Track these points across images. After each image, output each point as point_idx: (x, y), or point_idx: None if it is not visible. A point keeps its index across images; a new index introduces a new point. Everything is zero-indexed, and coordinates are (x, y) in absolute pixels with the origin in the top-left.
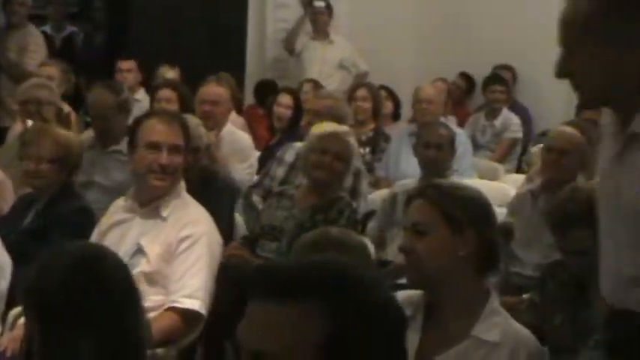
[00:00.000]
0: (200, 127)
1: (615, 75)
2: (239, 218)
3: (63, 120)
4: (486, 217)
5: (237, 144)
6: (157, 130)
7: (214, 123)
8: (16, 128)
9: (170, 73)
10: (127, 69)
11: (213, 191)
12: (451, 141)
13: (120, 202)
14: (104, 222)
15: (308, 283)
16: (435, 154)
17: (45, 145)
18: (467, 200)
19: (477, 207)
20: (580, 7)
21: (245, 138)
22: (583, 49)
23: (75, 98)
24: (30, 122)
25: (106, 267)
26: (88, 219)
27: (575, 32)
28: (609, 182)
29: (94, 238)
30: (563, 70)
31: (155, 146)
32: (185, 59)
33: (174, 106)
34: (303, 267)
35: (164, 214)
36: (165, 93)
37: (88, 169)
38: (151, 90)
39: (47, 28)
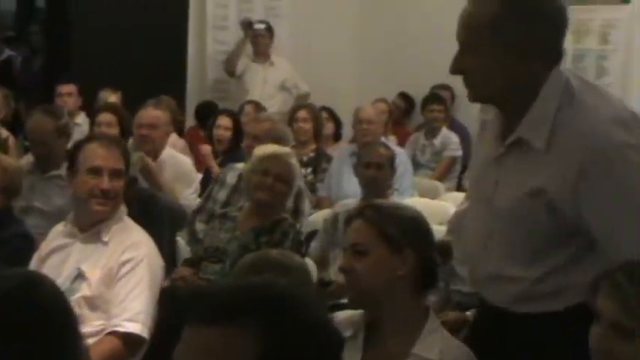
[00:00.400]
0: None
1: (512, 79)
2: (182, 242)
3: (1, 145)
4: (425, 237)
5: (178, 167)
6: (98, 155)
7: (153, 147)
8: None
9: (112, 97)
10: (67, 93)
11: (154, 215)
12: (391, 160)
13: (59, 227)
14: (44, 247)
15: (242, 305)
16: (376, 174)
17: None
18: (405, 220)
19: (415, 226)
20: (485, 10)
21: (186, 162)
22: (484, 49)
23: (14, 123)
24: None
25: (42, 293)
26: (28, 244)
27: (478, 33)
28: (487, 182)
29: (34, 263)
30: (459, 67)
31: (96, 171)
32: (126, 83)
33: (114, 130)
34: (239, 289)
35: (105, 238)
36: (106, 117)
37: (27, 195)
38: (92, 114)
39: None
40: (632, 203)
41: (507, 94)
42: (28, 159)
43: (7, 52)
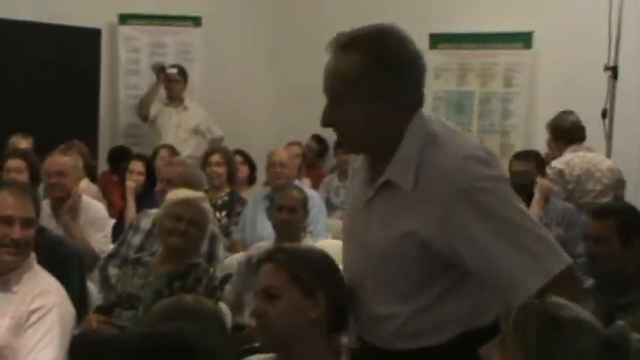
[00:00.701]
0: None
1: (379, 127)
2: (92, 287)
3: None
4: (335, 279)
5: (91, 214)
6: (9, 204)
7: (63, 193)
8: None
9: (23, 143)
10: None
11: (63, 261)
12: (304, 203)
13: None
14: None
15: (151, 355)
16: (288, 217)
17: None
18: (315, 262)
19: (325, 269)
20: (349, 63)
21: (99, 207)
22: (351, 101)
23: None
24: None
25: None
26: None
27: (344, 85)
28: (358, 225)
29: None
30: (328, 120)
31: (7, 221)
32: (38, 128)
33: (24, 176)
34: (150, 337)
35: (14, 288)
36: (16, 163)
37: None
38: (1, 160)
39: None
40: (500, 227)
41: (376, 141)
42: None
43: None
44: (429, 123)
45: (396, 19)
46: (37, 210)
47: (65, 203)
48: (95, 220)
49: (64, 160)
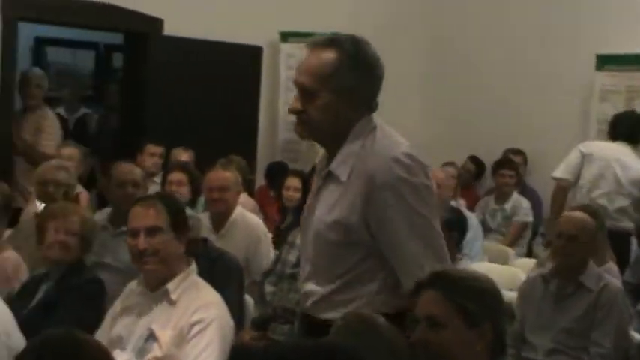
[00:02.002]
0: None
1: (339, 122)
2: (250, 301)
3: (71, 200)
4: (500, 308)
5: (250, 227)
6: (135, 216)
7: (224, 208)
8: (30, 209)
9: (183, 156)
10: (152, 153)
11: (223, 274)
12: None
13: (133, 285)
14: (118, 305)
15: None
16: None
17: (73, 220)
18: (481, 292)
19: (491, 299)
20: (323, 59)
21: (257, 222)
22: (321, 94)
23: (88, 180)
24: (39, 204)
25: (84, 353)
26: (99, 290)
27: (317, 79)
28: (309, 217)
29: (107, 321)
30: (297, 107)
31: (133, 233)
32: (198, 142)
33: (184, 189)
34: (309, 349)
35: (173, 296)
36: (177, 176)
37: (99, 251)
38: (163, 173)
39: (61, 110)
40: (404, 225)
41: (335, 133)
42: (100, 216)
43: (83, 110)
44: (375, 127)
45: (561, 41)
46: (174, 218)
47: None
48: (254, 235)
49: (226, 175)
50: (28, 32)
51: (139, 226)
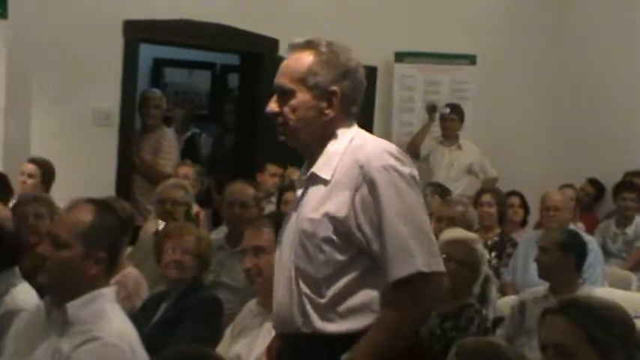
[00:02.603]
0: None
1: (318, 125)
2: None
3: (190, 219)
4: (633, 339)
5: None
6: (245, 236)
7: None
8: (149, 227)
9: (296, 174)
10: (273, 173)
11: None
12: (564, 246)
13: (251, 305)
14: (237, 324)
15: None
16: (548, 259)
17: (189, 239)
18: (613, 321)
19: (624, 329)
20: (303, 61)
21: None
22: (299, 96)
23: (204, 199)
24: (161, 222)
25: None
26: (218, 309)
27: (295, 80)
28: (288, 227)
29: (226, 339)
30: (275, 109)
31: (243, 252)
32: None
33: None
34: None
35: None
36: (292, 195)
37: (216, 269)
38: (279, 192)
39: (170, 130)
40: (394, 211)
41: (313, 138)
42: (217, 235)
43: (192, 130)
44: (354, 131)
45: None
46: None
47: None
48: None
49: None
50: (147, 53)
51: (246, 246)
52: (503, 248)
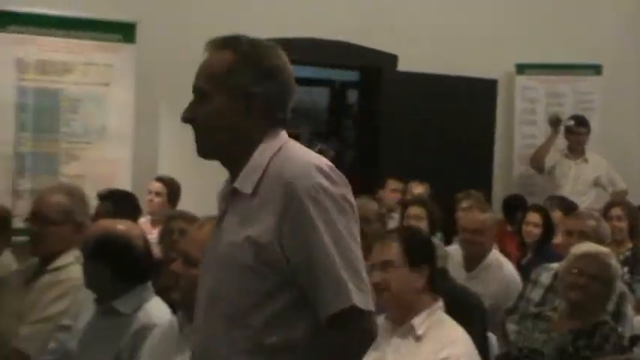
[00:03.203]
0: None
1: (235, 131)
2: (493, 339)
3: None
4: None
5: (502, 277)
6: (374, 251)
7: (478, 250)
8: None
9: (418, 189)
10: (394, 188)
11: (464, 309)
12: None
13: (380, 320)
14: None
15: None
16: None
17: None
18: None
19: None
20: (220, 59)
21: (511, 272)
22: (213, 98)
23: None
24: None
25: None
26: None
27: (210, 81)
28: (213, 242)
29: None
30: (189, 114)
31: (370, 267)
32: (433, 176)
33: (423, 223)
34: None
35: (419, 332)
36: (415, 210)
37: None
38: (402, 206)
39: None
40: (324, 240)
41: (229, 147)
42: None
43: (320, 146)
44: (283, 140)
45: None
46: (406, 253)
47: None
48: (508, 277)
49: (481, 218)
50: None
51: (374, 261)
52: (635, 263)
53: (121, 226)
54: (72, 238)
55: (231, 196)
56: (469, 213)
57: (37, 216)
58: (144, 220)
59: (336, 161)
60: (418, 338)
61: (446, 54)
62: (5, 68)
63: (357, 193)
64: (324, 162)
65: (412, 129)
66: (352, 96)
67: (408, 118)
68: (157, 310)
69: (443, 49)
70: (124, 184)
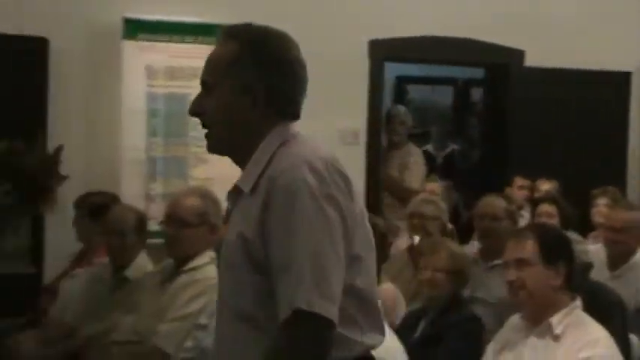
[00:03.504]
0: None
1: (241, 125)
2: (634, 340)
3: (448, 235)
4: None
5: None
6: (506, 248)
7: (625, 249)
8: (400, 243)
9: (546, 186)
10: (520, 185)
11: (602, 307)
12: None
13: (515, 319)
14: (499, 339)
15: None
16: None
17: (440, 257)
18: None
19: None
20: (225, 50)
21: None
22: (219, 90)
23: (453, 214)
24: (416, 237)
25: None
26: (478, 327)
27: (215, 72)
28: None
29: (489, 357)
30: (196, 108)
31: (504, 265)
32: (563, 173)
33: (554, 221)
34: None
35: (557, 332)
36: (546, 207)
37: (471, 285)
38: (532, 204)
39: (429, 147)
40: (288, 240)
41: (237, 141)
42: (470, 249)
43: (451, 146)
44: (292, 132)
45: None
46: (542, 251)
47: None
48: None
49: (628, 216)
50: (389, 71)
51: (507, 259)
52: None
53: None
54: (206, 239)
55: (237, 194)
56: (614, 211)
57: (172, 219)
58: None
59: (463, 160)
60: (556, 337)
61: (575, 47)
62: (136, 75)
63: (483, 191)
64: (322, 158)
65: (540, 126)
66: (476, 93)
67: (535, 115)
68: None
69: (572, 43)
70: None
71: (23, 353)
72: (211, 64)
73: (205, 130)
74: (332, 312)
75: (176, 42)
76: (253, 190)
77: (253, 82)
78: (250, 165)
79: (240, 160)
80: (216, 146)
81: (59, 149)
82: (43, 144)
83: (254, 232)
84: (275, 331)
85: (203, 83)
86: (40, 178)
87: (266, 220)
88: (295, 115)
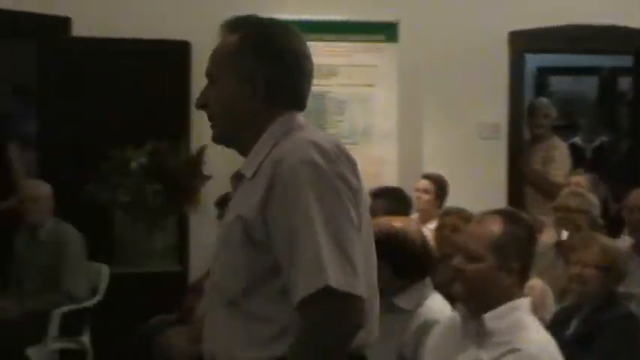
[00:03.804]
0: None
1: (244, 115)
2: None
3: (598, 229)
4: None
5: None
6: None
7: None
8: (545, 238)
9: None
10: None
11: None
12: None
13: None
14: None
15: None
16: None
17: (592, 252)
18: None
19: None
20: (228, 41)
21: None
22: (222, 81)
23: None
24: (564, 232)
25: None
26: (633, 325)
27: (218, 64)
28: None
29: None
30: (202, 101)
31: None
32: None
33: None
34: None
35: None
36: None
37: (626, 281)
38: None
39: (577, 139)
40: (302, 216)
41: (240, 132)
42: (622, 243)
43: (600, 139)
44: (298, 122)
45: None
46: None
47: None
48: None
49: None
50: (530, 63)
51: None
52: None
53: (398, 222)
54: None
55: (238, 180)
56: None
57: None
58: (413, 217)
59: (612, 152)
60: None
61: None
62: None
63: (633, 183)
64: (327, 140)
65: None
66: (623, 82)
67: None
68: (438, 306)
69: None
70: (391, 182)
71: (174, 350)
72: (215, 56)
73: (209, 121)
74: (358, 288)
75: (316, 40)
76: (255, 174)
77: (253, 72)
78: (253, 152)
79: (245, 151)
80: (220, 137)
81: (202, 150)
82: (187, 145)
83: (255, 211)
84: (264, 315)
85: (208, 76)
86: (184, 178)
87: (272, 199)
88: (301, 106)
